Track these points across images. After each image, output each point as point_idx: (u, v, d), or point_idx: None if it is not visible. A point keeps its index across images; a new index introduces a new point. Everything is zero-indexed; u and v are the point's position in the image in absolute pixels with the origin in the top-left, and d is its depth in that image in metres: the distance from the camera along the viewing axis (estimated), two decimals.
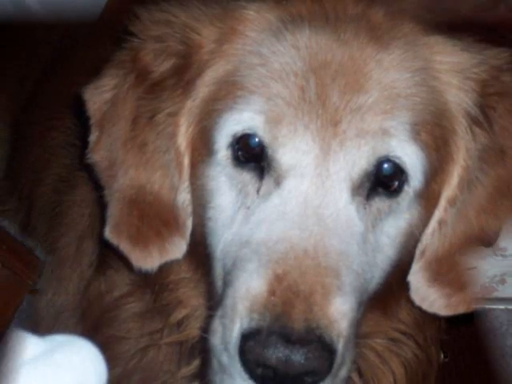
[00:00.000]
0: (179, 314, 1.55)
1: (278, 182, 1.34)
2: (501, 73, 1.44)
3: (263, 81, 1.35)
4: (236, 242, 1.34)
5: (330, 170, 1.32)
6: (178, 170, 1.46)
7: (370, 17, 1.42)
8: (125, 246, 1.47)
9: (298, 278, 1.24)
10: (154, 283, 1.56)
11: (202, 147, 1.43)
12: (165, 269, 1.51)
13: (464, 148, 1.43)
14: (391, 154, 1.35)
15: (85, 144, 1.52)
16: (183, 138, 1.45)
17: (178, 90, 1.44)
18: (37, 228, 2.01)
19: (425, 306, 1.49)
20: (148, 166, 1.47)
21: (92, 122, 1.50)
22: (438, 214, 1.46)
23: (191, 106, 1.44)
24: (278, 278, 1.24)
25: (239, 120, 1.36)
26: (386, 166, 1.36)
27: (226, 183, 1.39)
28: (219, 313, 1.30)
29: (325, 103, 1.32)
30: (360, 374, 1.57)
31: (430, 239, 1.47)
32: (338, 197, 1.32)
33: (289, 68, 1.35)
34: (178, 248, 1.48)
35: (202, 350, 1.50)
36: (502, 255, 2.18)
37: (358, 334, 1.35)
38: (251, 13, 1.43)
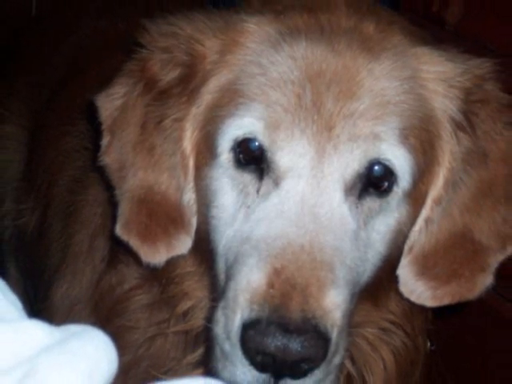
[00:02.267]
0: (185, 305, 1.55)
1: (276, 183, 1.34)
2: (483, 81, 1.44)
3: (263, 89, 1.35)
4: (237, 239, 1.34)
5: (324, 171, 1.32)
6: (184, 172, 1.46)
7: (362, 29, 1.42)
8: (134, 243, 1.47)
9: (295, 271, 1.24)
10: (162, 277, 1.56)
11: (206, 150, 1.43)
12: (171, 263, 1.51)
13: (449, 151, 1.43)
14: (381, 157, 1.35)
15: (97, 147, 1.53)
16: (188, 142, 1.45)
17: (184, 97, 1.44)
18: (52, 225, 2.00)
19: (413, 298, 1.49)
20: (156, 167, 1.47)
21: (104, 127, 1.50)
22: (425, 212, 1.46)
23: (196, 112, 1.44)
24: (277, 272, 1.24)
25: (240, 125, 1.36)
26: (376, 168, 1.36)
27: (228, 184, 1.39)
28: (222, 304, 1.30)
29: (320, 109, 1.32)
30: (352, 361, 1.56)
31: (418, 236, 1.47)
32: (332, 196, 1.32)
33: (286, 77, 1.35)
34: (183, 244, 1.48)
35: (205, 338, 1.49)
36: None
37: (351, 323, 1.35)
38: (251, 26, 1.43)
